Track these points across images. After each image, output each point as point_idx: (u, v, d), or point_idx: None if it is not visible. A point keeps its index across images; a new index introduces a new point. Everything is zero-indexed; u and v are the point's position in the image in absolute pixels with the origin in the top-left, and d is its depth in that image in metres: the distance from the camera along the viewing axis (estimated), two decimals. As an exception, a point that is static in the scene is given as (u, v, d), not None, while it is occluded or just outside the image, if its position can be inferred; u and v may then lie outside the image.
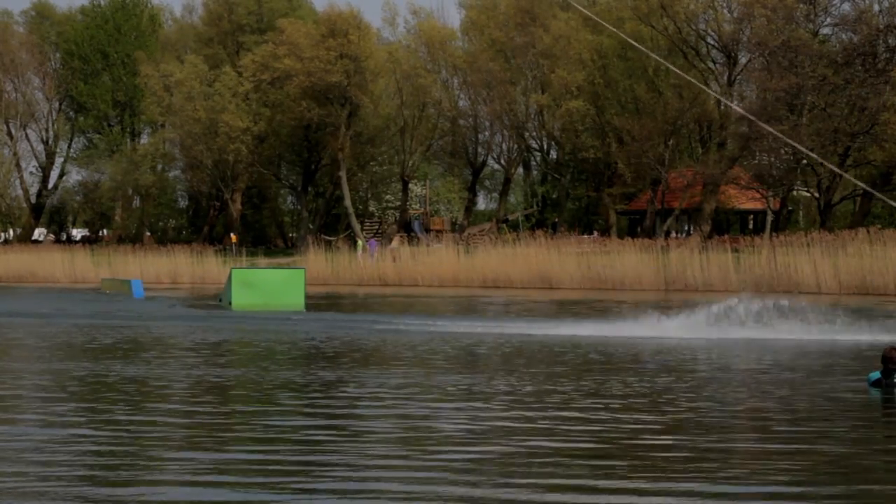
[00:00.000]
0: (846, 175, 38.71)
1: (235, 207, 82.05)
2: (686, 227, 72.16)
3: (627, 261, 48.94)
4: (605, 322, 25.29)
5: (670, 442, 10.03)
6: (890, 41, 59.11)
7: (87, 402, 12.79)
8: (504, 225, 75.22)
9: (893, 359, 13.09)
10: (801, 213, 76.24)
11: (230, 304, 34.81)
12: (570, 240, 55.68)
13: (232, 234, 77.75)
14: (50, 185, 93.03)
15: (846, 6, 61.93)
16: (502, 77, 72.62)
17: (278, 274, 38.64)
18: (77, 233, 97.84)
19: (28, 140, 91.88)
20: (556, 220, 74.49)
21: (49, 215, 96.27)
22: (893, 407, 12.96)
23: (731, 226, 75.04)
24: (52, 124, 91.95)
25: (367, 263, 59.76)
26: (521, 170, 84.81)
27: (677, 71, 33.11)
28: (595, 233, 68.92)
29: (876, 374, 13.36)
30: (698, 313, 23.82)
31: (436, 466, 8.84)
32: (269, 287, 35.82)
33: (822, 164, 50.12)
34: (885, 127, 56.40)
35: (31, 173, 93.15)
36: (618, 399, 12.80)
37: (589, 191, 78.41)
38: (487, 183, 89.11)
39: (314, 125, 75.52)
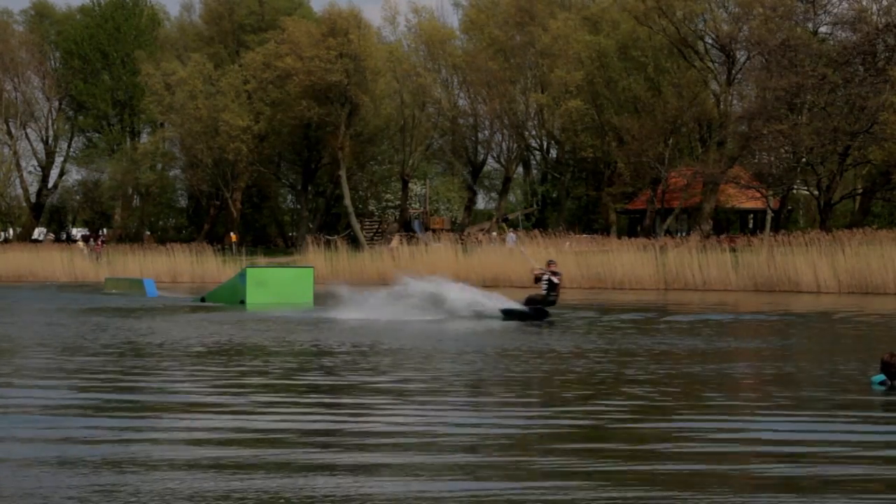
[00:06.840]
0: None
1: (235, 206, 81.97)
2: (686, 227, 72.05)
3: (626, 260, 48.87)
4: None
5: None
6: (889, 40, 59.00)
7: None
8: (504, 224, 75.15)
9: (894, 364, 13.78)
10: (800, 212, 76.18)
11: (242, 302, 34.78)
12: (566, 238, 55.53)
13: (232, 234, 77.79)
14: (50, 185, 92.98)
15: (845, 5, 61.87)
16: (501, 76, 72.57)
17: (288, 272, 38.70)
18: (77, 232, 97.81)
19: (28, 139, 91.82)
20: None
21: (49, 214, 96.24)
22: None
23: (731, 225, 74.94)
24: (52, 123, 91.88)
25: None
26: (520, 169, 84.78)
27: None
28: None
29: (880, 377, 13.97)
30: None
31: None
32: (279, 285, 35.99)
33: None
34: (884, 126, 56.29)
35: (31, 172, 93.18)
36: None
37: (589, 190, 78.36)
38: (487, 182, 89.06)
39: (314, 124, 75.46)
